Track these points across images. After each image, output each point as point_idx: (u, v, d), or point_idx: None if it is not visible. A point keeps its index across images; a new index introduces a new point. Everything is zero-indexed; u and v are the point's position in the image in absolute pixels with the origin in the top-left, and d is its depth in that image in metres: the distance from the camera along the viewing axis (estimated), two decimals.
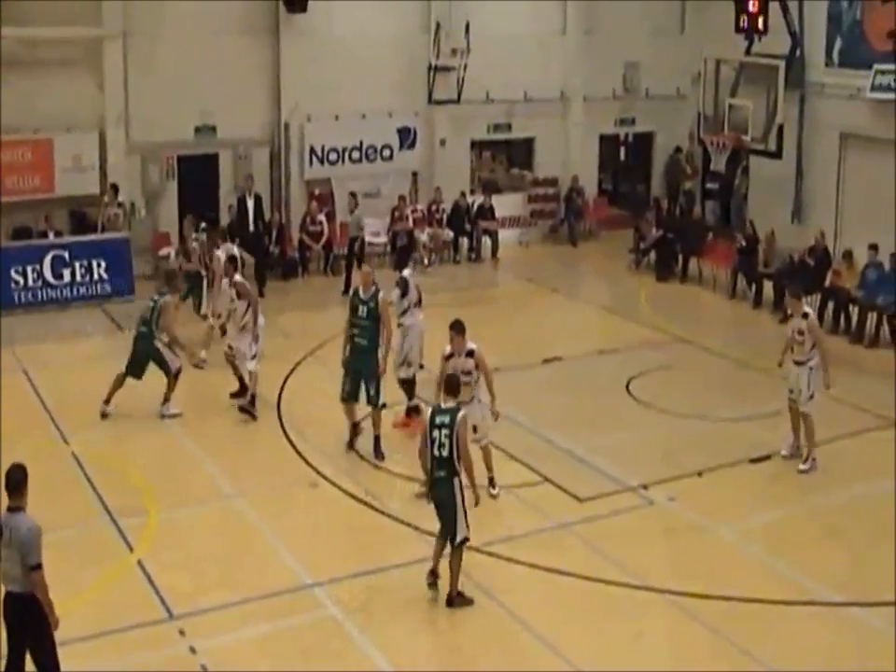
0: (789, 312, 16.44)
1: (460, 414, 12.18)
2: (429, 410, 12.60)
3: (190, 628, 11.71)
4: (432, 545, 12.92)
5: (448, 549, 12.23)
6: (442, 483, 12.14)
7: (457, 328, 14.58)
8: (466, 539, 12.17)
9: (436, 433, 12.11)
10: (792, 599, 12.50)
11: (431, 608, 12.35)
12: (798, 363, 15.94)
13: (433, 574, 12.35)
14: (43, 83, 23.57)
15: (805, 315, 15.96)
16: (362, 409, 16.27)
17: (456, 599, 12.21)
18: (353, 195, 25.48)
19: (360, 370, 15.93)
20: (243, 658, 11.30)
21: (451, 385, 12.69)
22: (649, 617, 12.29)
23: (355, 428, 16.31)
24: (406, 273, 17.47)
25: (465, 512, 12.10)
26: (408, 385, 17.07)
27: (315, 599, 12.45)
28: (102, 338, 21.61)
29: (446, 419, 12.12)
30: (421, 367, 17.16)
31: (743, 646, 11.60)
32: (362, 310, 15.96)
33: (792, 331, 16.01)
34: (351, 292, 16.62)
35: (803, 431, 16.02)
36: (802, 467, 15.76)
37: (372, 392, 15.92)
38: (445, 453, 12.06)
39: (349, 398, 16.09)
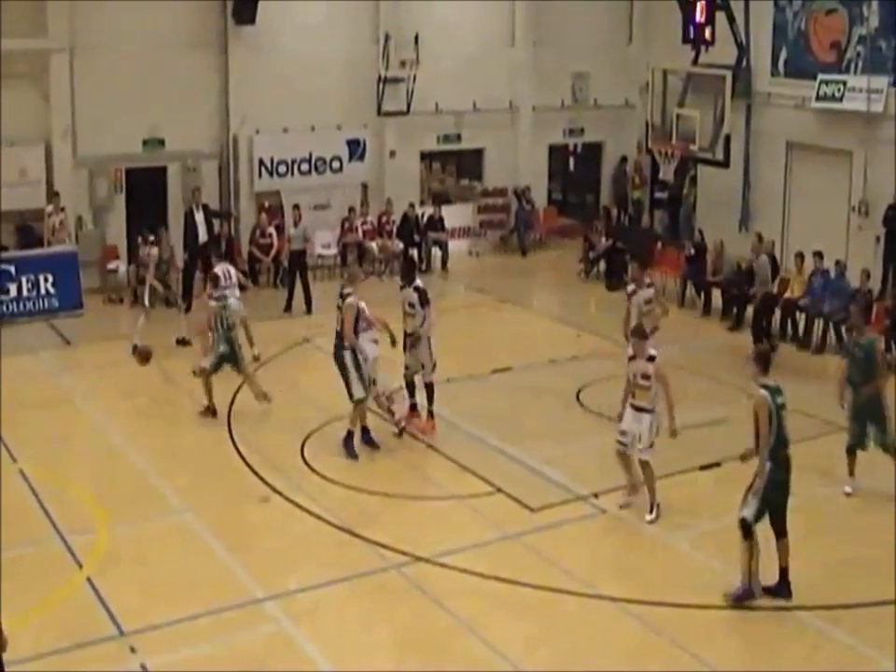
0: (631, 353, 14.74)
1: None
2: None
3: (142, 645, 11.61)
4: (387, 558, 13.20)
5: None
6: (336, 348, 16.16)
7: None
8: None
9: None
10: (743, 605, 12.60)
11: (385, 621, 12.35)
12: (640, 409, 14.60)
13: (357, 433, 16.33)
14: None
15: (652, 359, 14.54)
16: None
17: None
18: (296, 207, 25.40)
19: None
20: None
21: (353, 273, 17.03)
22: (598, 624, 12.32)
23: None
24: (419, 282, 17.56)
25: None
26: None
27: (267, 613, 12.39)
28: (49, 353, 21.43)
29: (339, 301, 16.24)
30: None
31: (694, 651, 11.65)
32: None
33: (634, 375, 14.57)
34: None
35: (636, 477, 14.95)
36: (649, 517, 14.54)
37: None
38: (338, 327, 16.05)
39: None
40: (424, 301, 17.21)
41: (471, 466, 16.10)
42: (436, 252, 28.46)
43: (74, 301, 23.81)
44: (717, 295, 24.20)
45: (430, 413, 17.50)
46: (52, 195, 24.46)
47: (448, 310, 25.46)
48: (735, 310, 23.58)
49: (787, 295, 22.90)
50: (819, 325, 22.17)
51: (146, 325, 20.92)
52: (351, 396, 16.41)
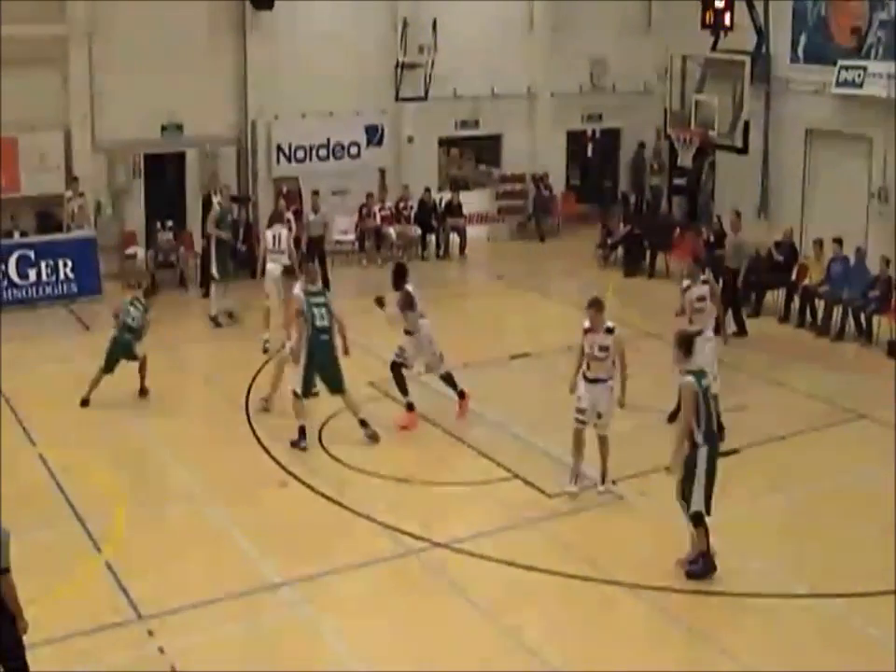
0: (587, 325, 14.86)
1: (329, 294, 16.60)
2: (301, 294, 16.20)
3: (159, 629, 11.67)
4: (405, 544, 13.23)
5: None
6: (328, 345, 16.12)
7: None
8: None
9: (315, 310, 16.03)
10: (759, 591, 12.58)
11: (402, 606, 12.37)
12: (597, 380, 14.70)
13: (302, 431, 16.13)
14: (7, 82, 23.31)
15: (610, 330, 14.68)
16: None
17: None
18: (316, 193, 25.43)
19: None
20: (212, 658, 11.25)
21: (311, 271, 16.95)
22: (615, 611, 12.35)
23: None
24: (409, 287, 17.37)
25: None
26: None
27: (285, 599, 12.44)
28: (68, 338, 21.50)
29: (321, 299, 16.23)
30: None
31: (711, 638, 11.68)
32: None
33: (591, 347, 14.67)
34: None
35: (585, 454, 15.02)
36: (601, 488, 14.82)
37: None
38: (326, 323, 16.05)
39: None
40: (405, 306, 17.04)
41: (489, 452, 16.10)
42: (454, 238, 28.44)
43: (93, 287, 23.88)
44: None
45: (461, 394, 17.44)
46: (71, 180, 24.52)
47: (466, 296, 25.57)
48: (754, 296, 23.53)
49: (806, 282, 22.85)
50: (838, 312, 22.09)
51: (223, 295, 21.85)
52: (342, 389, 16.45)
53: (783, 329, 22.40)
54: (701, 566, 12.76)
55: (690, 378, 12.63)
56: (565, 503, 14.63)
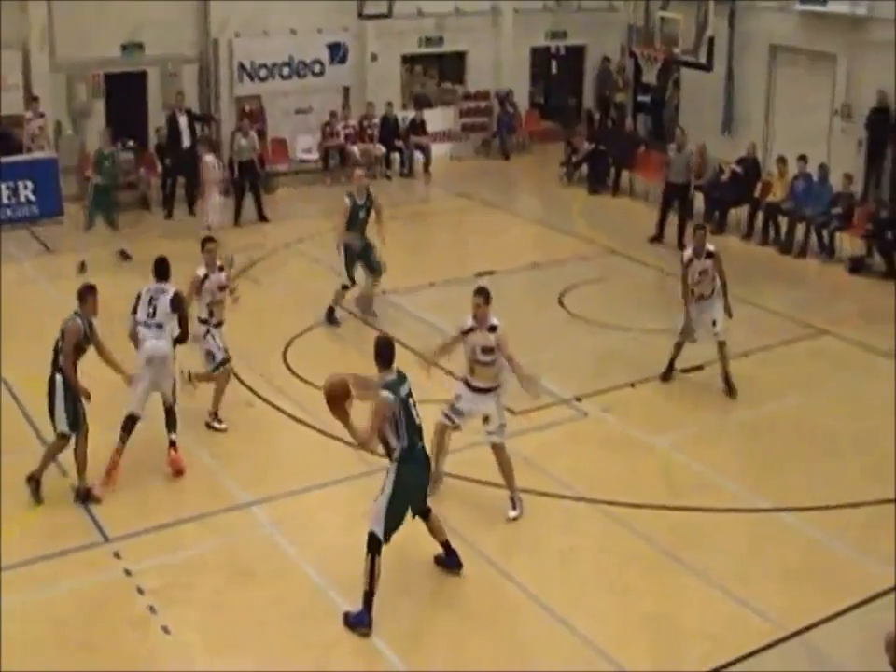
0: (470, 323, 12.40)
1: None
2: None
3: (126, 551, 11.73)
4: (367, 461, 13.15)
5: None
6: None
7: None
8: None
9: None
10: (721, 506, 12.75)
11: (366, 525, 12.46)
12: (481, 391, 12.67)
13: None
14: None
15: (493, 329, 12.29)
16: None
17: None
18: (250, 116, 25.23)
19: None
20: (179, 579, 11.35)
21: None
22: (581, 527, 12.48)
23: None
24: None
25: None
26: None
27: (252, 518, 12.52)
28: (31, 261, 21.33)
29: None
30: None
31: (675, 553, 11.84)
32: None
33: (473, 350, 12.44)
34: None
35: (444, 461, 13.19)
36: (512, 514, 12.57)
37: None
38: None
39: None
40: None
41: (453, 369, 16.10)
42: (418, 156, 28.29)
43: (54, 208, 23.65)
44: (699, 198, 24.16)
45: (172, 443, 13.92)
46: (31, 100, 24.17)
47: (430, 214, 25.52)
48: (717, 213, 23.58)
49: (769, 198, 22.91)
50: (801, 229, 22.18)
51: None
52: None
53: (747, 246, 22.51)
54: (359, 613, 10.72)
55: (384, 393, 10.53)
56: (528, 420, 14.67)
